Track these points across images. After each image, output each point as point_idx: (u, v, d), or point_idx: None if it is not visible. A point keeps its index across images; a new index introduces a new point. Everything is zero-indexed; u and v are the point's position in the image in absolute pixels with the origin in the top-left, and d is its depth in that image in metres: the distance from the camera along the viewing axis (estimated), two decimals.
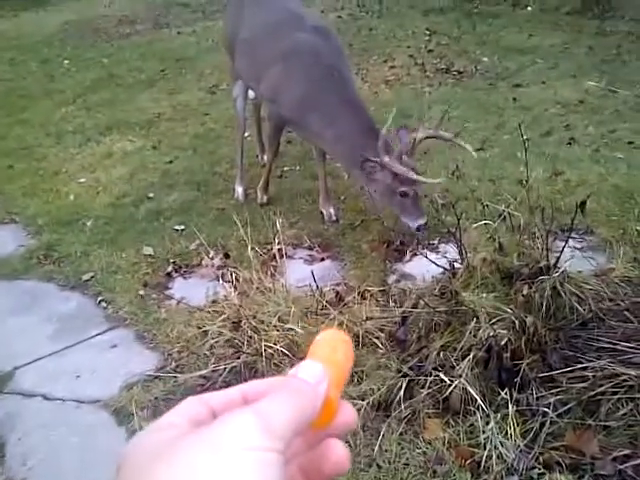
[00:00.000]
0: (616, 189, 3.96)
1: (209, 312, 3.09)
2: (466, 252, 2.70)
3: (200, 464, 0.41)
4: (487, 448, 2.23)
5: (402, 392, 2.43)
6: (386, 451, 2.35)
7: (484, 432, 2.26)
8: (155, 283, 3.58)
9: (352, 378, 2.62)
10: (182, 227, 4.07)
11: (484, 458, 2.21)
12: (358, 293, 3.09)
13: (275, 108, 3.84)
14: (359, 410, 2.47)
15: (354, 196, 4.25)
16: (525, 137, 2.96)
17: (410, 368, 2.52)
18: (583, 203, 2.71)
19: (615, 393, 2.28)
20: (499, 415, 2.30)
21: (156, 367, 2.96)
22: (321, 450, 0.51)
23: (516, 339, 2.42)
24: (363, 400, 2.48)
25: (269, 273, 3.26)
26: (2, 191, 4.87)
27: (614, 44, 6.68)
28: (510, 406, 2.29)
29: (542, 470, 2.16)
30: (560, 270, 2.55)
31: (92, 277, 3.69)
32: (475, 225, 2.90)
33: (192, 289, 3.44)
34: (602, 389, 2.29)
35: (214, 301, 3.19)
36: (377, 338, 2.78)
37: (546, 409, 2.29)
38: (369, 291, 3.12)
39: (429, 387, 2.43)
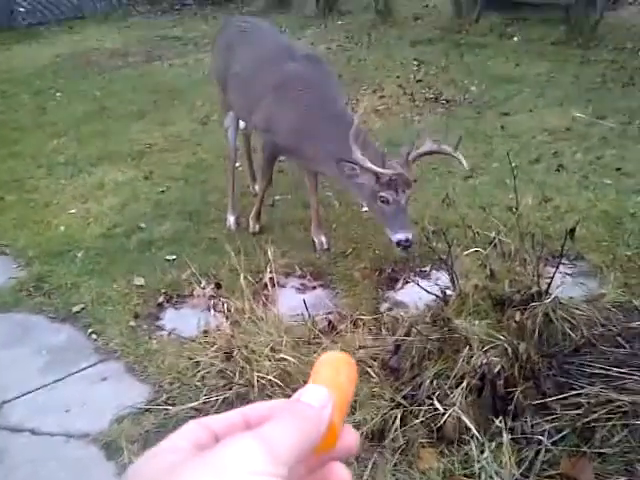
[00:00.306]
0: (605, 215, 3.99)
1: (200, 343, 3.07)
2: (458, 279, 2.71)
3: None
4: (482, 478, 2.20)
5: (396, 422, 2.41)
6: None
7: (479, 461, 2.24)
8: (146, 314, 3.55)
9: None
10: (174, 257, 4.06)
11: None
12: (350, 321, 3.09)
13: (270, 137, 3.87)
14: None
15: (345, 224, 4.26)
16: (514, 164, 3.00)
17: (404, 397, 2.50)
18: (573, 229, 2.73)
19: (609, 419, 2.27)
20: (494, 444, 2.28)
21: (147, 399, 2.92)
22: (322, 474, 0.50)
23: (509, 366, 2.42)
24: (357, 430, 2.45)
25: (261, 302, 3.25)
26: None
27: (599, 73, 6.80)
28: (504, 434, 2.27)
29: None
30: (552, 296, 2.55)
31: (82, 309, 3.65)
32: (466, 252, 2.91)
33: (183, 319, 3.42)
34: (596, 415, 2.28)
35: (206, 331, 3.17)
36: (370, 367, 2.76)
37: (541, 437, 2.28)
38: (361, 319, 3.11)
39: (423, 416, 2.41)
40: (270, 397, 2.68)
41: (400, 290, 3.54)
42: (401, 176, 3.29)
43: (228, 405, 2.72)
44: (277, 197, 4.75)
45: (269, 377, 2.71)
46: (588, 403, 2.32)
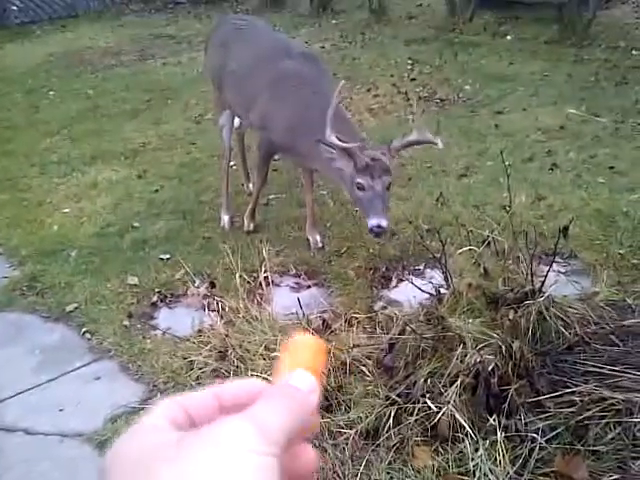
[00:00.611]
0: (598, 213, 4.01)
1: (195, 342, 3.07)
2: (451, 278, 2.71)
3: (204, 462, 0.42)
4: (477, 476, 2.21)
5: (391, 420, 2.41)
6: None
7: (473, 459, 2.25)
8: (140, 313, 3.54)
9: (340, 406, 2.59)
10: (167, 256, 4.05)
11: None
12: (345, 320, 3.08)
13: (266, 134, 3.86)
14: (347, 439, 2.44)
15: (340, 223, 4.26)
16: (507, 163, 3.01)
17: (398, 395, 2.51)
18: (566, 228, 2.74)
19: (603, 417, 2.28)
20: (488, 442, 2.29)
21: (141, 399, 2.92)
22: (294, 452, 0.52)
23: (503, 364, 2.42)
24: (351, 429, 2.46)
25: (255, 301, 3.25)
26: None
27: (592, 71, 6.82)
28: (499, 432, 2.28)
29: None
30: (545, 294, 2.56)
31: (76, 308, 3.64)
32: (460, 251, 2.91)
33: (178, 319, 3.41)
34: (590, 413, 2.29)
35: (200, 331, 3.16)
36: (364, 365, 2.76)
37: (535, 435, 2.28)
38: (356, 318, 3.11)
39: (417, 414, 2.42)
40: None
41: (394, 289, 3.54)
42: (378, 162, 3.19)
43: None
44: (271, 196, 4.74)
45: (263, 376, 2.71)
46: (582, 401, 2.32)
